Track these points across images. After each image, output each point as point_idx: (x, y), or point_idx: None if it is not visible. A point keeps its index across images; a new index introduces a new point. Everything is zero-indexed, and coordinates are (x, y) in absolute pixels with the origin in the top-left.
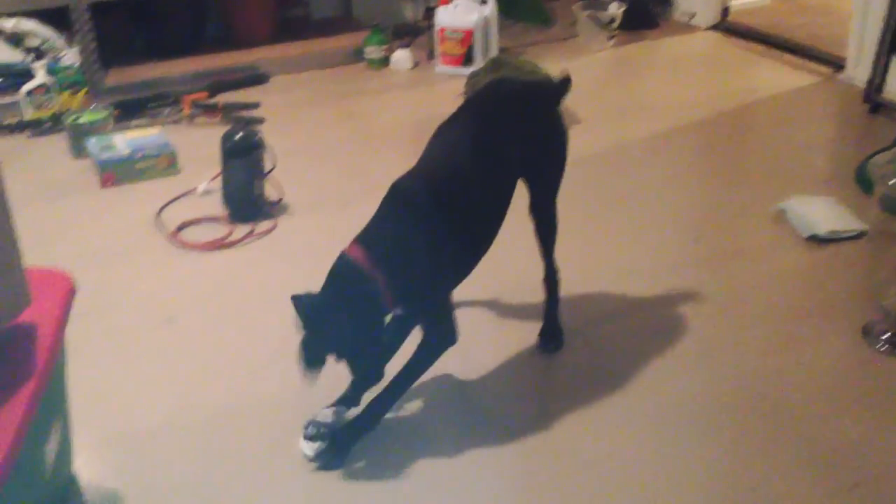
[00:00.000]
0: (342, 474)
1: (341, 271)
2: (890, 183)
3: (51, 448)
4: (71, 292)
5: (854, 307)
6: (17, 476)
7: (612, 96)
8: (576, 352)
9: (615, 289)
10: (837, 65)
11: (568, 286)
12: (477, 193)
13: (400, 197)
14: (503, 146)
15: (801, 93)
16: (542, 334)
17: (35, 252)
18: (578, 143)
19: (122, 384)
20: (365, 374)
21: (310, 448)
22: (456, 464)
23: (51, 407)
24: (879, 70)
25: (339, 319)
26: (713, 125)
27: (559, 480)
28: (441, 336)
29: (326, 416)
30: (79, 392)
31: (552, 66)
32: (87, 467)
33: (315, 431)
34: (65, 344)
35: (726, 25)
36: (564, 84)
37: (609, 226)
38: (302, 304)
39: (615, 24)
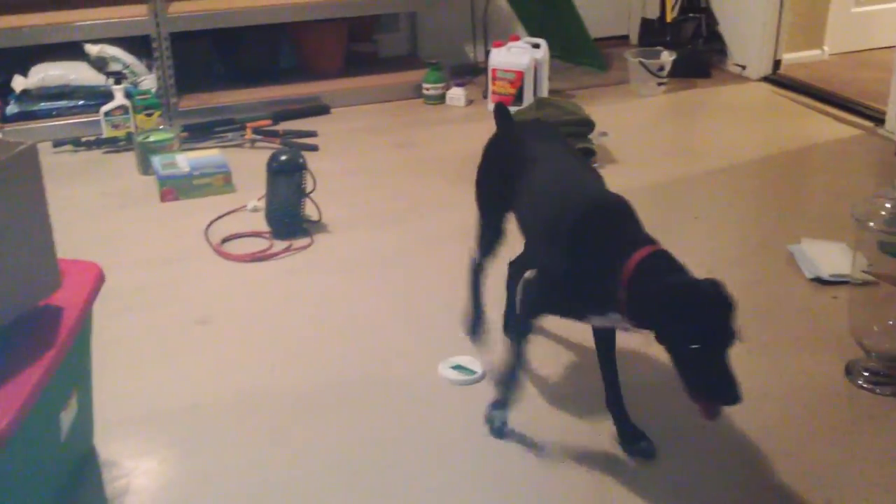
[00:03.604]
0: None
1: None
2: (871, 224)
3: (67, 415)
4: (99, 279)
5: (843, 345)
6: (30, 434)
7: (656, 140)
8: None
9: None
10: (879, 119)
11: None
12: None
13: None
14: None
15: (840, 144)
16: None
17: (95, 253)
18: (610, 182)
19: (152, 373)
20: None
21: None
22: None
23: (70, 377)
24: None
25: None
26: (751, 170)
27: None
28: None
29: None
30: (113, 376)
31: (602, 108)
32: (109, 444)
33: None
34: (91, 324)
35: (777, 78)
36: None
37: None
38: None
39: (665, 72)
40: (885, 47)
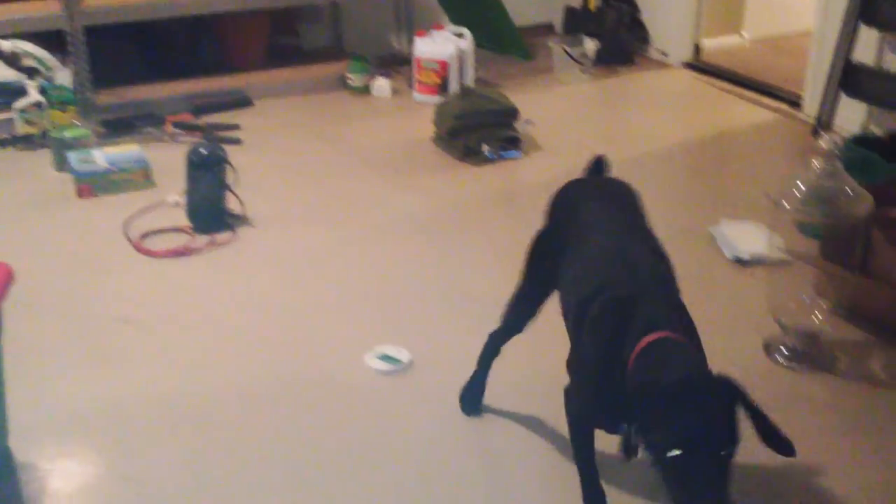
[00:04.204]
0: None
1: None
2: (786, 205)
3: None
4: (7, 278)
5: (762, 323)
6: None
7: (580, 126)
8: None
9: None
10: (796, 102)
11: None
12: None
13: None
14: None
15: (759, 128)
16: None
17: (10, 253)
18: (536, 169)
19: (73, 373)
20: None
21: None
22: None
23: None
24: (827, 107)
25: None
26: (673, 155)
27: None
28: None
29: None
30: (31, 377)
31: (527, 96)
32: (26, 447)
33: None
34: (1, 323)
35: (698, 64)
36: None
37: None
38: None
39: (589, 59)
40: (803, 32)
